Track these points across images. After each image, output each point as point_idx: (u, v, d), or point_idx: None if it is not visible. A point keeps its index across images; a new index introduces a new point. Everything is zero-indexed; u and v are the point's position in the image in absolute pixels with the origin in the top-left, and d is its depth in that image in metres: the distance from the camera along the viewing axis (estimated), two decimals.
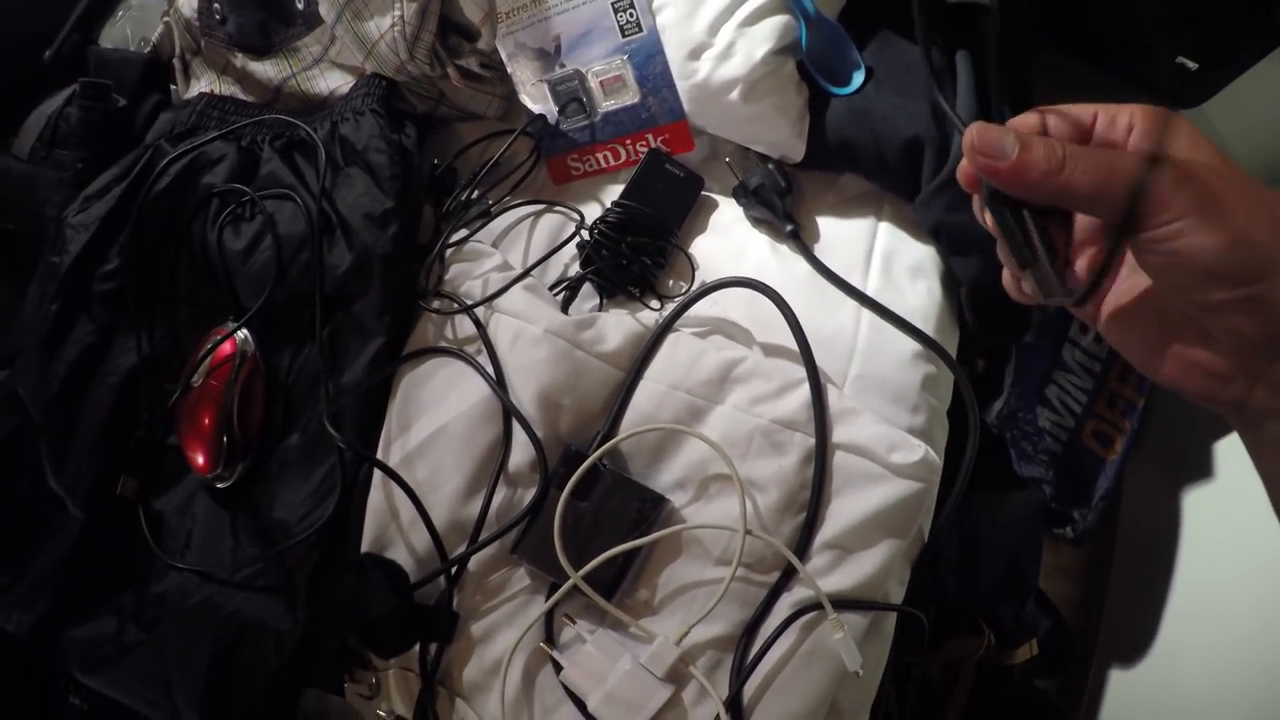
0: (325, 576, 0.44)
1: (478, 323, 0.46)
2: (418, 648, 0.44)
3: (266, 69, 0.55)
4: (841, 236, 0.49)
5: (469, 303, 0.46)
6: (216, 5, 0.56)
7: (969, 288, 0.48)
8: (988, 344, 0.53)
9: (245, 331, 0.48)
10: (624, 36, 0.47)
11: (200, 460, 0.48)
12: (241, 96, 0.57)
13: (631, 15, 0.47)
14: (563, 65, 0.49)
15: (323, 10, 0.52)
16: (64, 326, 0.50)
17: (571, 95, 0.49)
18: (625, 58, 0.47)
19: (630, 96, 0.48)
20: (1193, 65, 0.58)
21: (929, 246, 0.49)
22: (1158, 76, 0.62)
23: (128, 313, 0.51)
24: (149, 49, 0.60)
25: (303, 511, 0.46)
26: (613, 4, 0.46)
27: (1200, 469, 0.71)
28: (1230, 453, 0.69)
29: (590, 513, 0.42)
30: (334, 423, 0.44)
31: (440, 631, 0.43)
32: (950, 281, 0.49)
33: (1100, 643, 0.73)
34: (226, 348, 0.48)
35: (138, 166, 0.53)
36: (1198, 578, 0.67)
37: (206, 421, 0.48)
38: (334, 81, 0.54)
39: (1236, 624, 0.61)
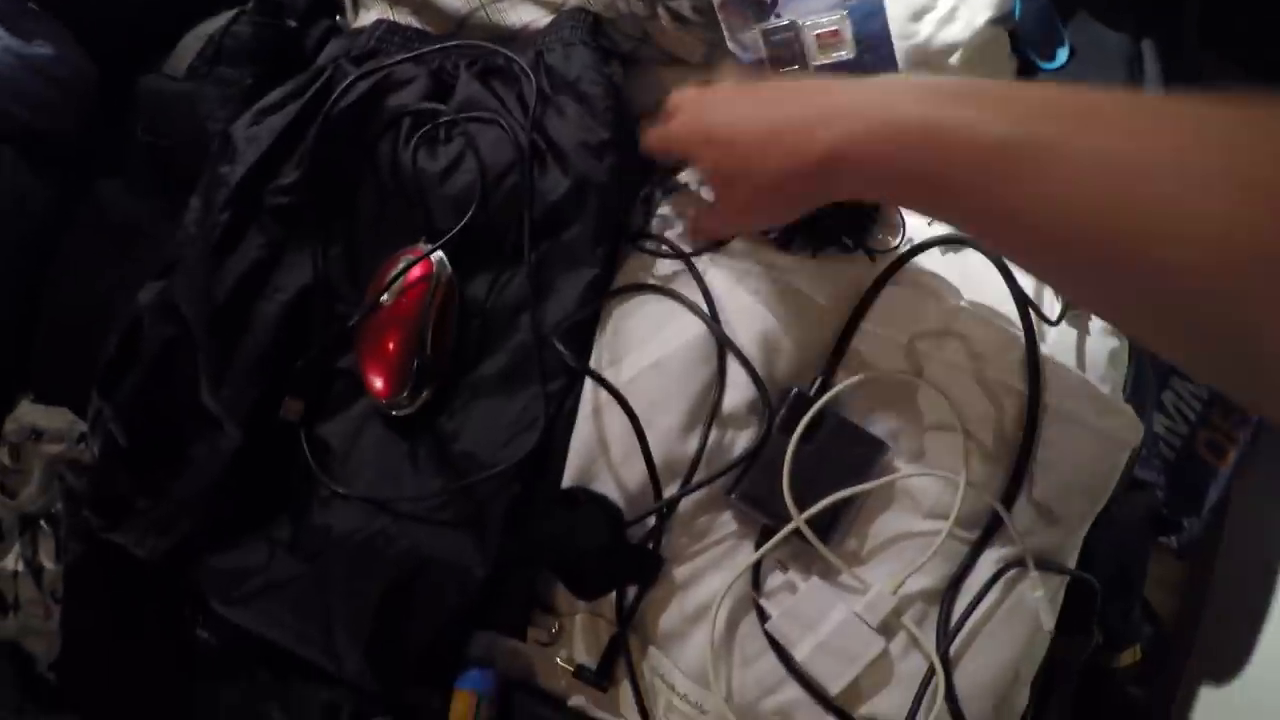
0: (523, 512, 0.41)
1: (691, 265, 0.45)
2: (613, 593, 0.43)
3: None
4: None
5: (676, 242, 0.44)
6: None
7: None
8: None
9: (441, 254, 0.46)
10: None
11: (380, 385, 0.45)
12: (420, 26, 0.55)
13: None
14: (778, 15, 0.48)
15: None
16: (234, 237, 0.46)
17: (785, 46, 0.49)
18: (845, 13, 0.48)
19: (845, 52, 0.48)
20: None
21: None
22: None
23: (302, 229, 0.47)
24: None
25: (498, 444, 0.42)
26: None
27: None
28: None
29: (812, 456, 0.41)
30: (549, 350, 0.43)
31: (646, 574, 0.40)
32: None
33: (1193, 659, 0.74)
34: (418, 270, 0.46)
35: (316, 85, 0.51)
36: None
37: (392, 345, 0.45)
38: (527, 15, 0.52)
39: None
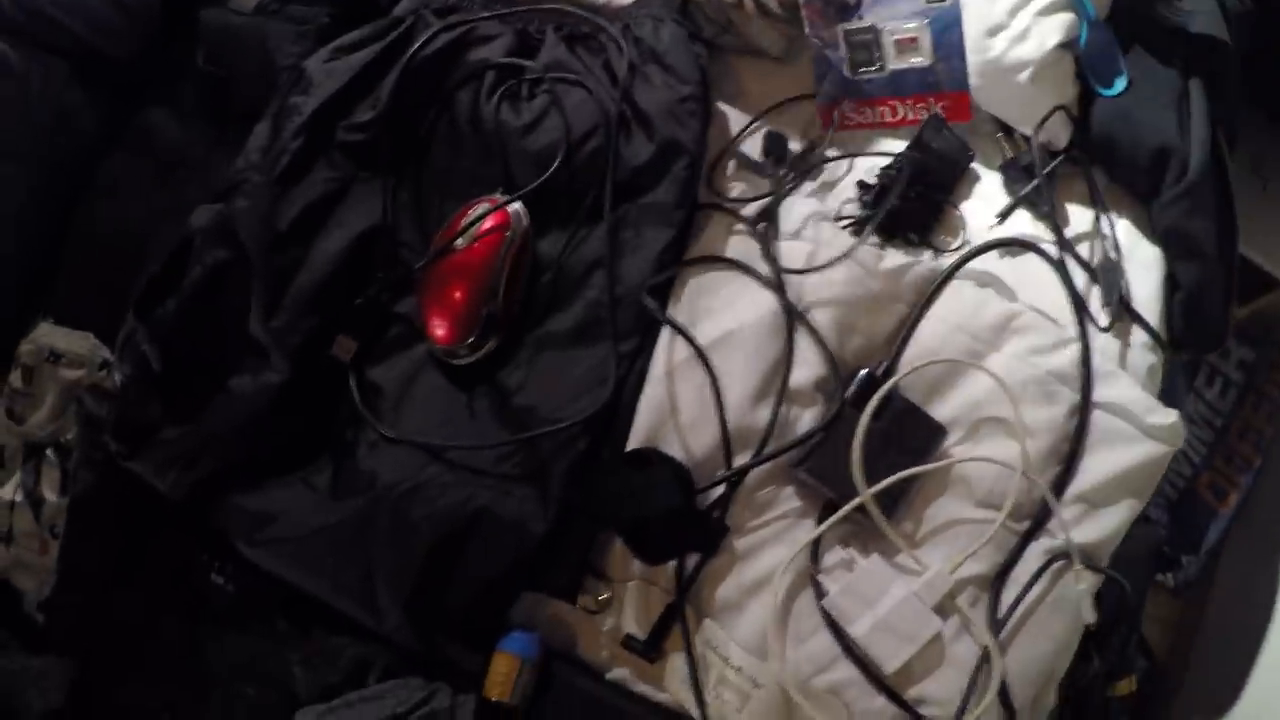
0: (589, 470, 0.40)
1: (765, 241, 0.46)
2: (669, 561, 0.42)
3: None
4: (1086, 224, 0.52)
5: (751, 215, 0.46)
6: None
7: (1186, 293, 0.51)
8: (1184, 354, 0.57)
9: (520, 205, 0.46)
10: (928, 2, 0.49)
11: (443, 331, 0.45)
12: None
13: None
14: (860, 17, 0.50)
15: None
16: (302, 168, 0.45)
17: (864, 48, 0.51)
18: (926, 22, 0.50)
19: (922, 58, 0.50)
20: None
21: (1155, 249, 0.53)
22: None
23: (372, 169, 0.47)
24: None
25: (564, 400, 0.41)
26: None
27: None
28: None
29: (878, 436, 0.40)
30: (623, 309, 0.43)
31: (711, 542, 0.39)
32: (1169, 288, 0.53)
33: (1180, 697, 0.76)
34: (494, 219, 0.46)
35: (397, 31, 0.50)
36: None
37: (460, 293, 0.45)
38: None
39: None
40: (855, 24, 0.49)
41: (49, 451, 0.55)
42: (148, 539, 0.51)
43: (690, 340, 0.42)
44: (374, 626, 0.42)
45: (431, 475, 0.42)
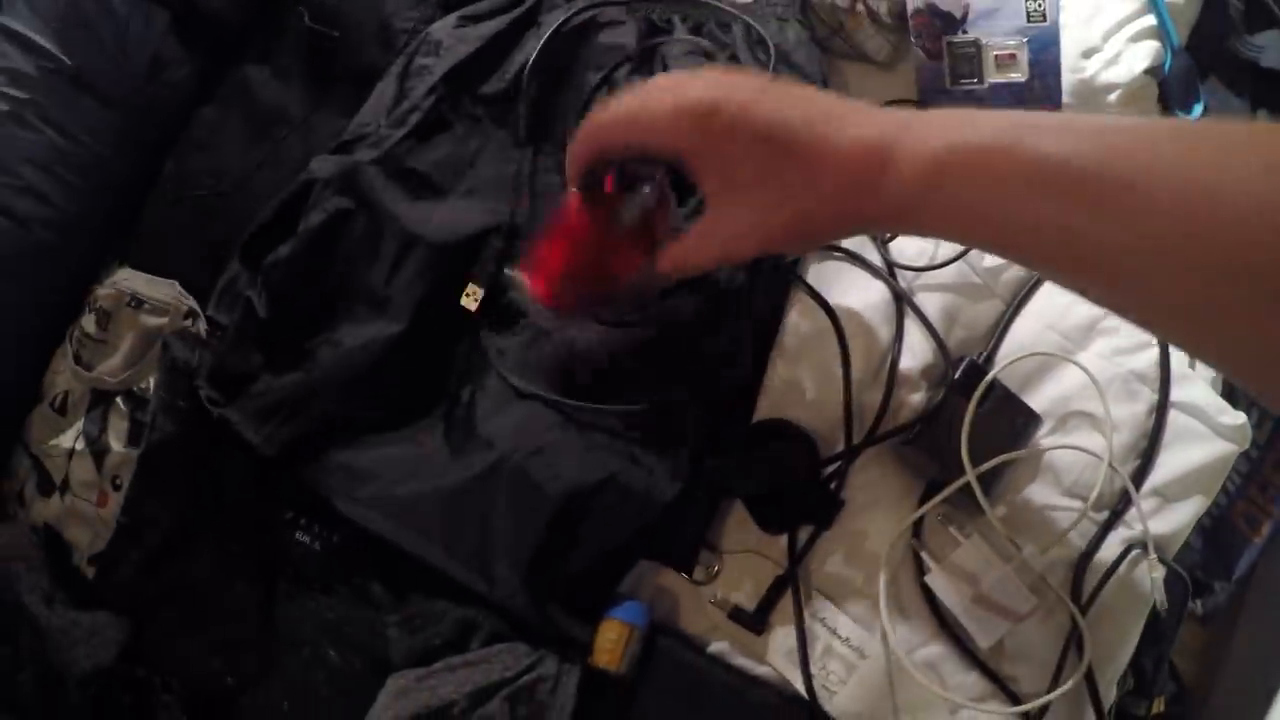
0: (719, 438, 0.42)
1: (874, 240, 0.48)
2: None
3: None
4: None
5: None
6: None
7: None
8: None
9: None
10: (1028, 22, 0.53)
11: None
12: None
13: (1040, 5, 0.53)
14: (965, 31, 0.54)
15: None
16: (435, 124, 0.46)
17: (966, 60, 0.54)
18: (1025, 40, 0.54)
19: (1019, 74, 0.54)
20: None
21: None
22: None
23: (501, 138, 0.50)
24: None
25: (697, 373, 0.42)
26: None
27: None
28: None
29: (980, 420, 0.43)
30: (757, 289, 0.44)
31: (830, 515, 0.41)
32: None
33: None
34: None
35: (524, 6, 0.53)
36: None
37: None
38: None
39: None
40: (959, 37, 0.53)
41: (119, 399, 0.54)
42: (222, 495, 0.51)
43: (829, 311, 0.44)
44: (485, 593, 0.42)
45: (557, 439, 0.42)
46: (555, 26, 0.48)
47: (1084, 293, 0.28)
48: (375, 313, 0.45)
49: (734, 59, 0.49)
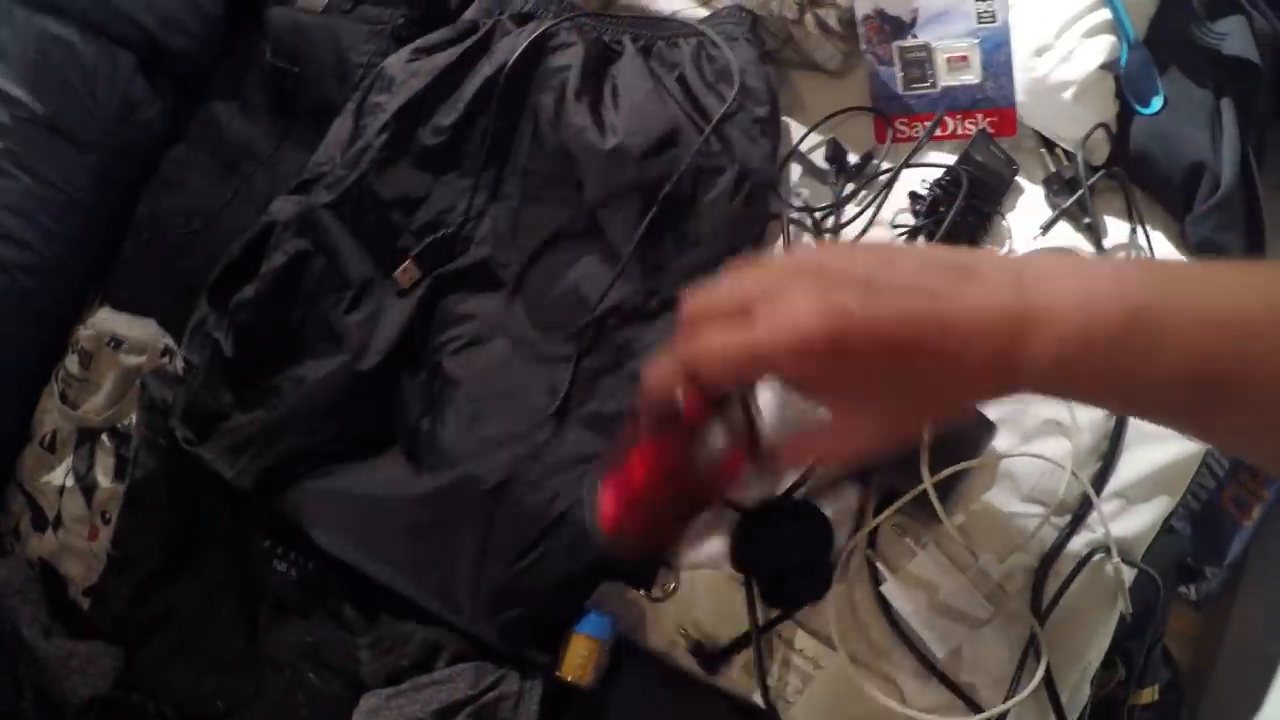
0: (743, 516, 0.43)
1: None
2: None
3: None
4: (1123, 236, 0.57)
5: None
6: None
7: None
8: None
9: None
10: (979, 23, 0.54)
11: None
12: None
13: (989, 5, 0.54)
14: (915, 36, 0.55)
15: None
16: (387, 161, 0.49)
17: (918, 65, 0.55)
18: (976, 41, 0.55)
19: (972, 76, 0.55)
20: None
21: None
22: None
23: (455, 169, 0.51)
24: None
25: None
26: None
27: None
28: None
29: (934, 430, 0.46)
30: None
31: (824, 590, 0.43)
32: None
33: (1203, 711, 0.79)
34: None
35: (475, 35, 0.55)
36: None
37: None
38: (677, 3, 0.58)
39: None
40: (909, 41, 0.54)
41: (104, 436, 0.58)
42: (205, 527, 0.54)
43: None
44: (453, 620, 0.45)
45: (514, 472, 0.45)
46: (506, 63, 0.49)
47: (1221, 440, 0.29)
48: (335, 348, 0.48)
49: (682, 80, 0.51)
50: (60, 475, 0.59)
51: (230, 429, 0.50)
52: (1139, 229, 0.55)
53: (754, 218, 0.49)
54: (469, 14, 0.57)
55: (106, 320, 0.58)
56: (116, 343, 0.57)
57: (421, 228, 0.50)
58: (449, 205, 0.50)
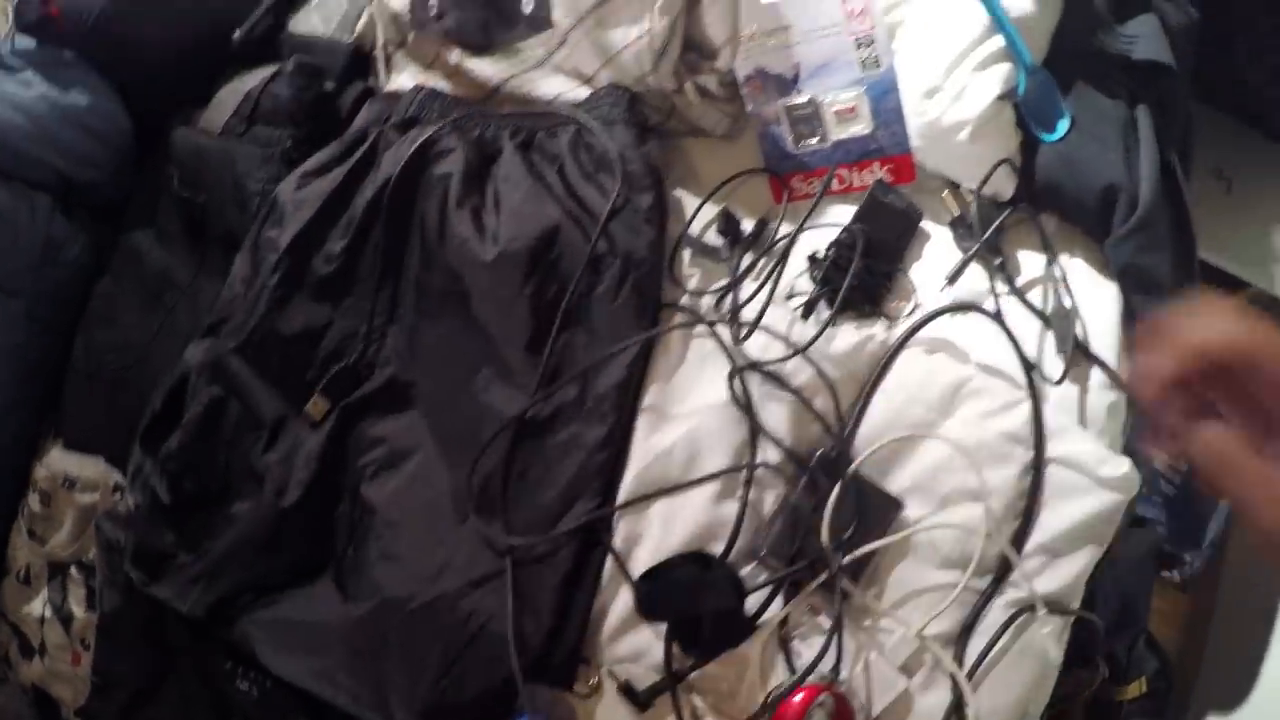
0: (651, 570, 0.46)
1: (717, 335, 0.50)
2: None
3: (484, 67, 0.59)
4: (1039, 270, 0.56)
5: (707, 312, 0.51)
6: (433, 2, 0.60)
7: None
8: None
9: None
10: (863, 71, 0.54)
11: None
12: (452, 93, 0.61)
13: (872, 52, 0.53)
14: (799, 92, 0.55)
15: (557, 15, 0.57)
16: (283, 299, 0.51)
17: (806, 121, 0.55)
18: (863, 90, 0.54)
19: (863, 126, 0.54)
20: None
21: (1112, 285, 0.57)
22: None
23: (350, 293, 0.54)
24: (351, 38, 0.64)
25: (551, 512, 0.48)
26: (856, 41, 0.53)
27: None
28: None
29: (839, 513, 0.46)
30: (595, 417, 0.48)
31: (745, 636, 0.46)
32: (1127, 319, 0.57)
33: (1197, 690, 0.80)
34: None
35: (360, 150, 0.56)
36: None
37: None
38: (557, 86, 0.57)
39: None
40: (795, 99, 0.54)
41: (73, 569, 0.62)
42: (177, 650, 0.58)
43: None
44: None
45: (432, 592, 0.48)
46: (393, 176, 0.51)
47: None
48: (259, 488, 0.51)
49: (562, 172, 0.52)
50: (39, 606, 0.64)
51: (179, 567, 0.53)
52: (1054, 263, 0.54)
53: (643, 309, 0.50)
54: (358, 122, 0.58)
55: (59, 461, 0.62)
56: (70, 482, 0.61)
57: (326, 358, 0.52)
58: (350, 331, 0.53)
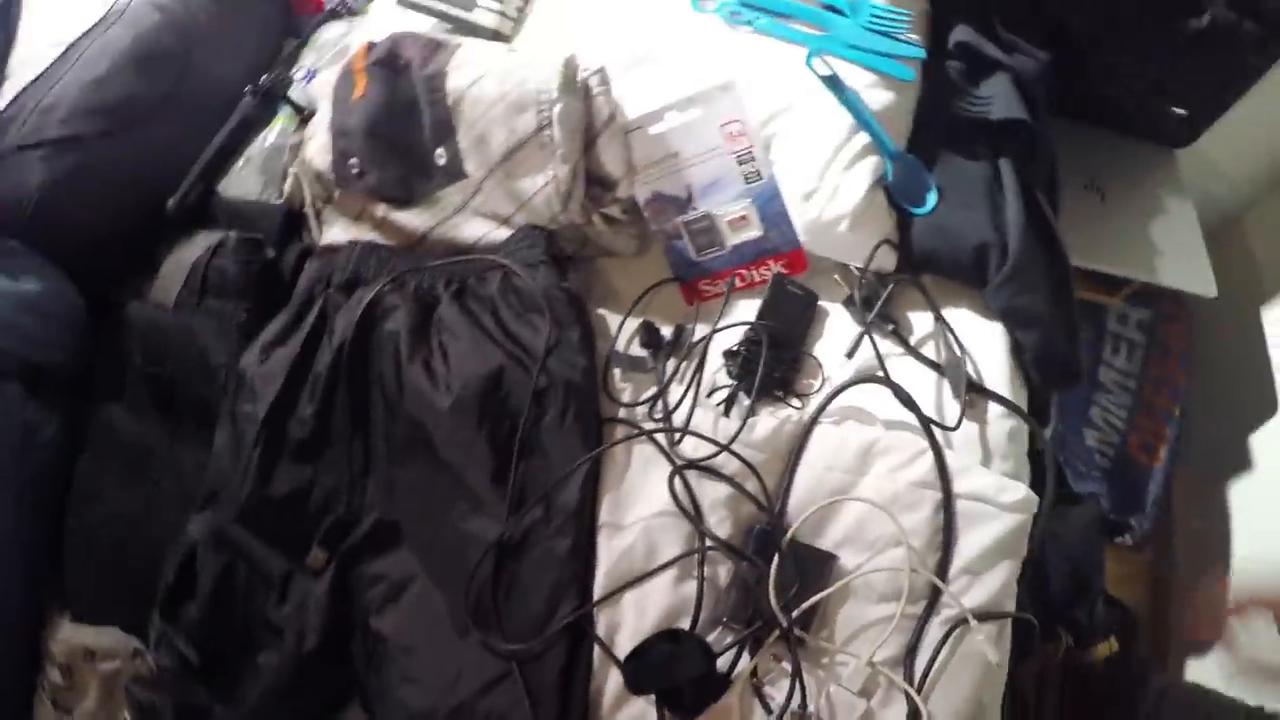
0: (636, 648, 0.53)
1: (655, 440, 0.59)
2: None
3: (410, 218, 0.65)
4: (928, 327, 0.65)
5: (643, 419, 0.59)
6: (354, 161, 0.66)
7: (1032, 354, 0.65)
8: (1051, 393, 0.71)
9: None
10: (747, 184, 0.62)
11: None
12: (384, 242, 0.67)
13: (753, 166, 0.61)
14: (695, 208, 0.62)
15: (469, 168, 0.63)
16: (269, 468, 0.58)
17: (704, 233, 0.63)
18: (750, 200, 0.62)
19: (754, 231, 0.62)
20: (1182, 112, 0.78)
21: (997, 324, 0.66)
22: (1155, 125, 0.83)
23: (326, 453, 0.61)
24: (280, 199, 0.69)
25: (543, 614, 0.55)
26: (737, 159, 0.60)
27: (1241, 462, 0.87)
28: (1268, 444, 0.85)
29: (784, 575, 0.55)
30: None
31: (723, 690, 0.54)
32: (1016, 351, 0.66)
33: (1175, 634, 0.91)
34: None
35: (311, 315, 0.63)
36: (1254, 559, 0.83)
37: None
38: (479, 229, 0.64)
39: None
40: (692, 215, 0.61)
41: None
42: None
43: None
44: None
45: (453, 700, 0.55)
46: (347, 341, 0.58)
47: None
48: (279, 639, 0.58)
49: (496, 315, 0.59)
50: None
51: (217, 718, 0.60)
52: (941, 320, 0.63)
53: (587, 430, 0.58)
54: (302, 283, 0.64)
55: (74, 635, 0.68)
56: (90, 654, 0.67)
57: (317, 512, 0.59)
58: (333, 486, 0.59)
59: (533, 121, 0.58)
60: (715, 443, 0.56)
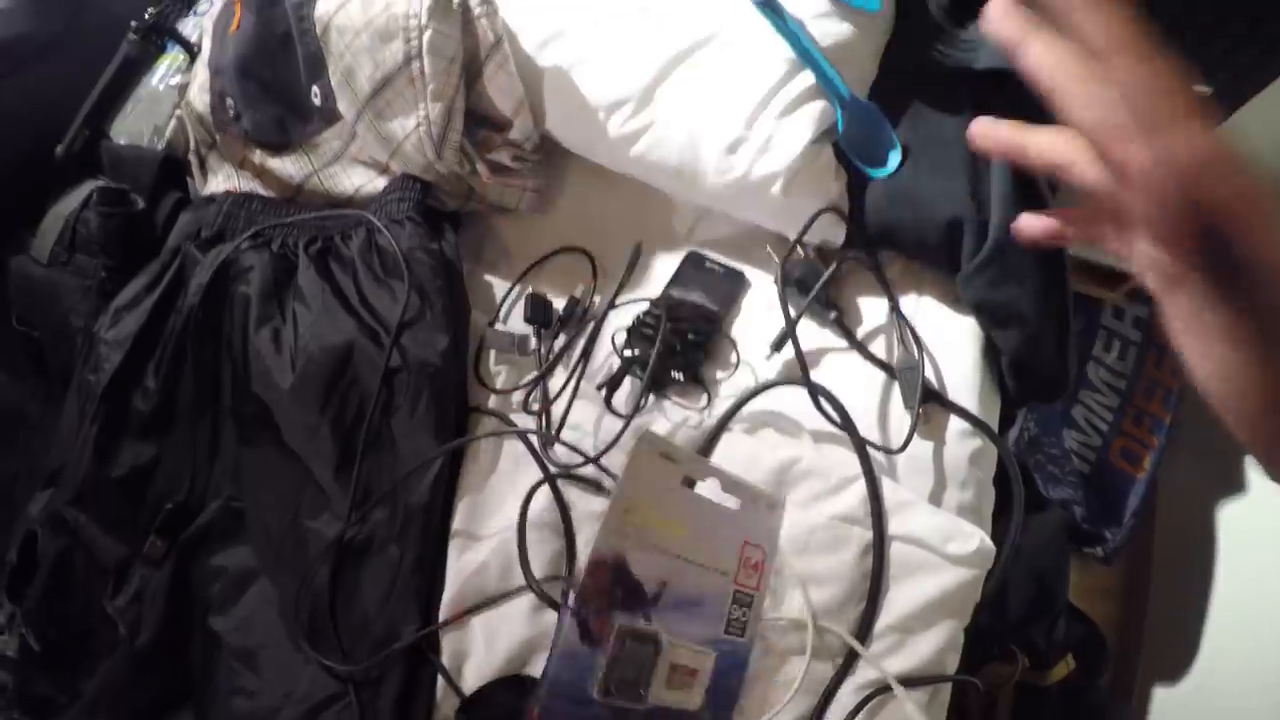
0: (474, 694, 0.48)
1: (526, 440, 0.51)
2: None
3: (286, 165, 0.60)
4: (882, 318, 0.54)
5: (516, 409, 0.52)
6: (230, 101, 0.60)
7: (1010, 358, 0.54)
8: (1028, 405, 0.58)
9: None
10: (725, 633, 0.50)
11: None
12: (263, 193, 0.61)
13: (744, 615, 0.45)
14: (647, 619, 0.52)
15: (342, 108, 0.57)
16: (108, 446, 0.55)
17: (631, 664, 0.48)
18: (713, 655, 0.45)
19: (691, 699, 0.43)
20: (1208, 90, 0.65)
21: (969, 318, 0.54)
22: None
23: (171, 430, 0.56)
24: (162, 144, 0.65)
25: (382, 633, 0.49)
26: (734, 596, 0.50)
27: (1232, 480, 0.78)
28: None
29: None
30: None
31: None
32: (990, 352, 0.54)
33: (1144, 657, 0.80)
34: None
35: (167, 276, 0.58)
36: (1237, 586, 0.74)
37: None
38: (358, 179, 0.58)
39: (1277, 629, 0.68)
40: (639, 624, 0.45)
41: None
42: None
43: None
44: None
45: (289, 715, 0.50)
46: (195, 306, 0.53)
47: None
48: (114, 631, 0.54)
49: (355, 279, 0.52)
50: None
51: (59, 709, 0.57)
52: (896, 310, 0.52)
53: (443, 422, 0.51)
54: (171, 240, 0.60)
55: None
56: None
57: (157, 497, 0.55)
58: (177, 467, 0.55)
59: (400, 52, 0.50)
60: (583, 454, 0.48)
